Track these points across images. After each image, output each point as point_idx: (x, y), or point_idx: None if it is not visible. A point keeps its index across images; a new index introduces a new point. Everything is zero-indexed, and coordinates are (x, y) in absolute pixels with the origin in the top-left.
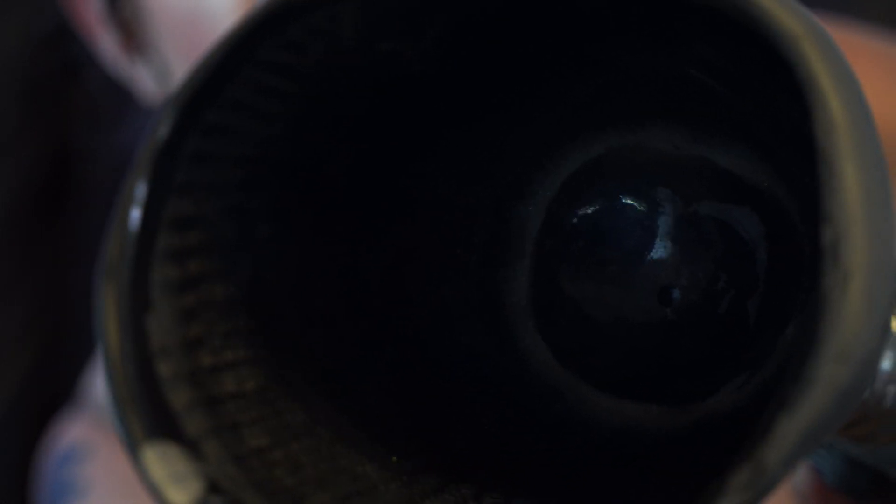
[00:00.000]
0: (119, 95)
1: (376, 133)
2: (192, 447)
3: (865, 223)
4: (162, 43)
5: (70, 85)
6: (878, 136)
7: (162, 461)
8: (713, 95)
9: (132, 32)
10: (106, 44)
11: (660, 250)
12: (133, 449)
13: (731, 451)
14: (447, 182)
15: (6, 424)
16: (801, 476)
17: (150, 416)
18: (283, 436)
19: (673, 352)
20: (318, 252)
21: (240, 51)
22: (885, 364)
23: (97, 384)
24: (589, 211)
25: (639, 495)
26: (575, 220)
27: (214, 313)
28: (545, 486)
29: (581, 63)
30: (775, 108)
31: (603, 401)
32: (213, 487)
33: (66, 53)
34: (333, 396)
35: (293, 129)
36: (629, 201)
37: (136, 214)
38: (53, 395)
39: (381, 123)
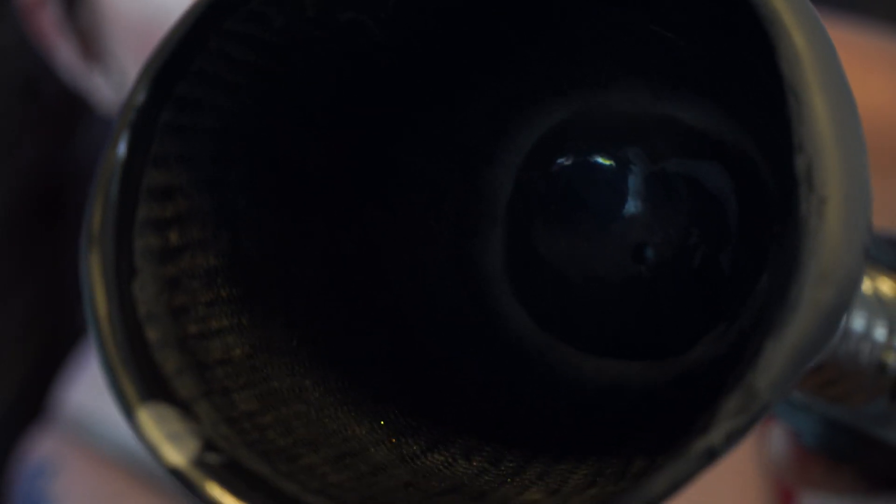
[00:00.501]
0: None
1: (344, 108)
2: (185, 408)
3: (837, 148)
4: (120, 51)
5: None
6: (842, 67)
7: (157, 421)
8: (673, 50)
9: (90, 41)
10: (63, 53)
11: (631, 209)
12: (128, 411)
13: (715, 400)
14: (415, 153)
15: (6, 424)
16: (779, 444)
17: (142, 379)
18: (271, 400)
19: (651, 308)
20: (295, 226)
21: (206, 21)
22: (858, 323)
23: (69, 398)
24: (558, 174)
25: (628, 448)
26: (545, 185)
27: (197, 282)
28: (535, 445)
29: (540, 25)
30: (735, 58)
31: (585, 361)
32: (208, 446)
33: None
34: (319, 363)
35: (261, 103)
36: (597, 163)
37: (115, 184)
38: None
39: (347, 98)
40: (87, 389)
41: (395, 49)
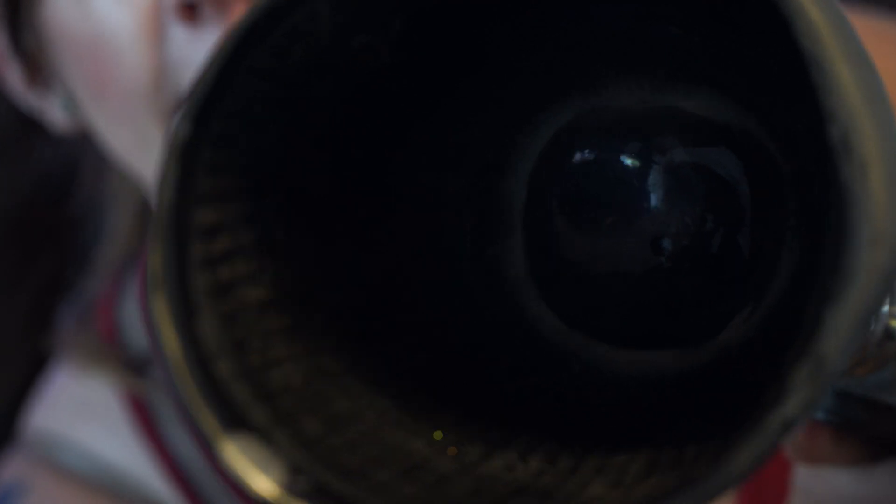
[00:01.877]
0: None
1: (359, 130)
2: (265, 436)
3: (870, 113)
4: (66, 72)
5: None
6: (857, 32)
7: (243, 451)
8: (673, 42)
9: (37, 64)
10: (12, 77)
11: (644, 203)
12: (212, 443)
13: (754, 377)
14: (428, 170)
15: (6, 424)
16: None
17: (221, 412)
18: (335, 423)
19: (676, 297)
20: (330, 250)
21: (233, 58)
22: None
23: (35, 419)
24: (569, 176)
25: (677, 435)
26: (558, 188)
27: (250, 316)
28: (586, 441)
29: (537, 29)
30: (736, 44)
31: (618, 355)
32: (294, 469)
33: None
34: (370, 382)
35: (284, 135)
36: (606, 161)
37: (170, 225)
38: None
39: (362, 120)
40: (53, 410)
41: (404, 69)
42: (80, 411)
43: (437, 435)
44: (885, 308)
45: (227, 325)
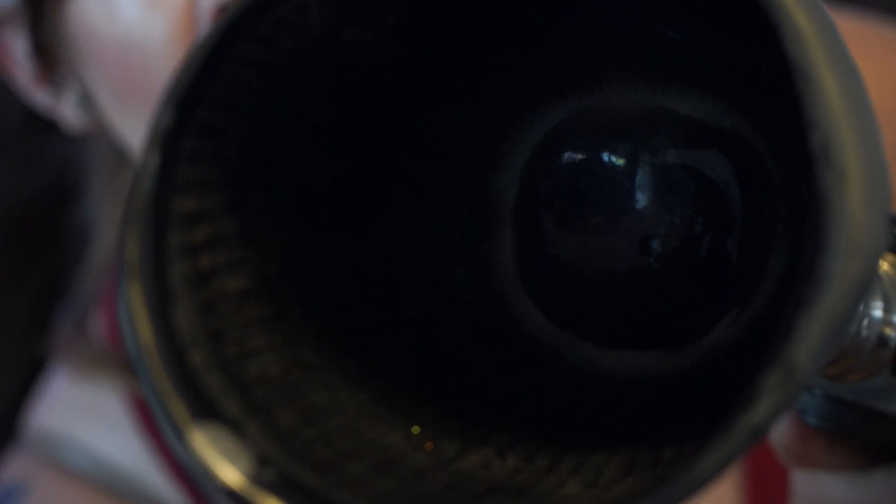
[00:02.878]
0: None
1: (350, 124)
2: (235, 427)
3: (851, 123)
4: (88, 72)
5: None
6: (844, 41)
7: (210, 441)
8: (668, 44)
9: (53, 61)
10: (25, 73)
11: (635, 204)
12: (179, 433)
13: (736, 381)
14: (421, 164)
15: (6, 424)
16: (780, 424)
17: (191, 401)
18: (311, 416)
19: (663, 298)
20: (315, 242)
21: (220, 47)
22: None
23: (36, 419)
24: (561, 174)
25: (657, 436)
26: (549, 186)
27: (229, 305)
28: (565, 440)
29: (541, 27)
30: (730, 48)
31: (603, 355)
32: (262, 461)
33: None
34: (350, 375)
35: (273, 126)
36: (598, 160)
37: (148, 213)
38: None
39: (353, 115)
40: (55, 410)
41: (396, 63)
42: (83, 411)
43: (415, 430)
44: (879, 315)
45: (205, 314)
